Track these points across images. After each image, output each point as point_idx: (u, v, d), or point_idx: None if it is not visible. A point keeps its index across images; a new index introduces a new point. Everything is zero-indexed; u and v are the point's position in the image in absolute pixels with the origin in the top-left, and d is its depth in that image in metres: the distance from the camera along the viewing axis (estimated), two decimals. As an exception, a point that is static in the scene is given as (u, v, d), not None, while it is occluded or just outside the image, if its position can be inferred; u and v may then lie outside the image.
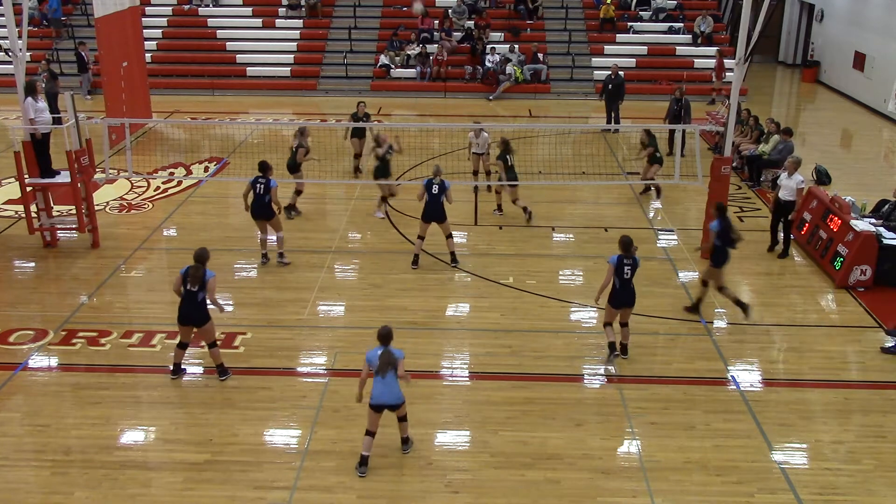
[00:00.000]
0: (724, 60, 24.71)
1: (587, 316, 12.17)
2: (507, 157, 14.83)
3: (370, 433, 8.68)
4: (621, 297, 10.56)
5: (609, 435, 9.48)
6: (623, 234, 10.77)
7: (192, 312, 9.96)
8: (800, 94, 28.28)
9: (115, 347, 11.16)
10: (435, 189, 13.14)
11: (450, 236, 13.53)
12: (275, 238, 13.53)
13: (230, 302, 12.48)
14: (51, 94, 19.81)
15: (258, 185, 12.99)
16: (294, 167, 15.37)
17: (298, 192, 15.65)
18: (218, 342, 10.39)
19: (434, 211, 13.20)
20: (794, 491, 8.58)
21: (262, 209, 13.09)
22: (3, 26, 14.17)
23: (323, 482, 8.63)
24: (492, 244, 14.57)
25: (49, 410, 9.78)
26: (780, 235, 14.23)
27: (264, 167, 13.08)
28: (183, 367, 10.46)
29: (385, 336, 8.59)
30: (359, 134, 17.45)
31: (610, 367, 10.76)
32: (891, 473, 8.90)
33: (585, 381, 10.59)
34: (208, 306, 10.01)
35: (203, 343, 10.45)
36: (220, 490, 8.51)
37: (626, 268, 10.46)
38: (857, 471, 8.92)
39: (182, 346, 10.33)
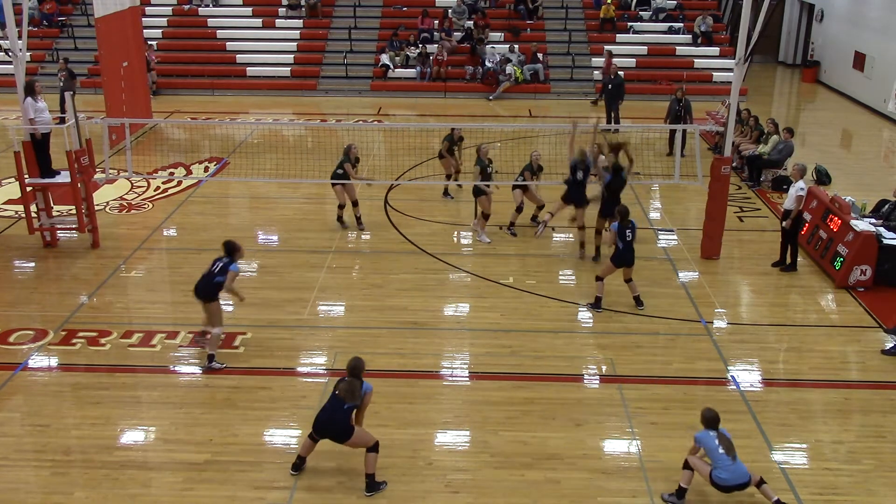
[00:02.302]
0: (613, 59, 24.58)
1: (587, 316, 12.17)
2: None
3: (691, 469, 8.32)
4: (624, 256, 11.91)
5: (609, 435, 9.48)
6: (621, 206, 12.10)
7: (335, 421, 8.33)
8: (800, 94, 28.29)
9: (115, 347, 11.16)
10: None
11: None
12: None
13: (230, 303, 12.50)
14: (65, 93, 19.89)
15: (217, 263, 10.62)
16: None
17: (341, 207, 15.08)
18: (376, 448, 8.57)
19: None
20: (794, 491, 8.58)
21: (206, 287, 10.57)
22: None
23: (323, 482, 8.63)
24: (492, 244, 14.57)
25: (49, 410, 9.78)
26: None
27: (230, 249, 10.66)
28: (303, 463, 8.77)
29: (712, 420, 8.17)
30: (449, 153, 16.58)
31: (598, 310, 12.10)
32: (891, 473, 8.90)
33: (585, 381, 10.59)
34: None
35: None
36: (220, 490, 8.51)
37: (626, 231, 11.77)
38: (857, 471, 8.92)
39: (313, 439, 8.61)
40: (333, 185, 14.82)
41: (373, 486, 8.48)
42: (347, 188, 14.88)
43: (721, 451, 8.10)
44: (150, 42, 25.52)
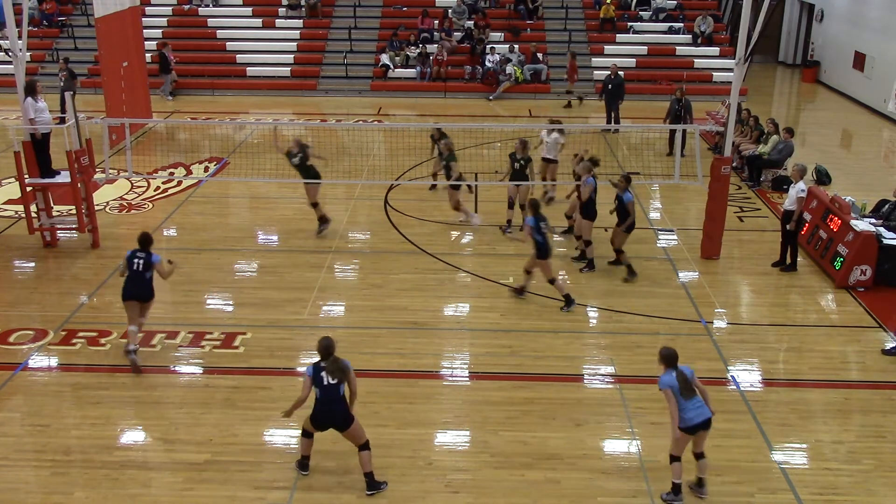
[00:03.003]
0: (576, 62, 24.81)
1: (587, 316, 12.17)
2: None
3: (679, 459, 8.30)
4: (548, 249, 12.03)
5: (609, 435, 9.49)
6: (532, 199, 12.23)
7: (337, 412, 8.25)
8: (800, 94, 28.29)
9: (115, 347, 11.15)
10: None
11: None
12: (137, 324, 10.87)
13: (231, 302, 12.52)
14: (65, 93, 19.91)
15: (136, 262, 10.62)
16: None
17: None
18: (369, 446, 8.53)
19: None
20: (794, 491, 8.59)
21: (140, 288, 10.67)
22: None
23: (323, 482, 8.63)
24: (492, 244, 14.57)
25: (49, 410, 9.78)
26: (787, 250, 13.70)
27: (145, 240, 10.75)
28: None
29: (673, 357, 8.11)
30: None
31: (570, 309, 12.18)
32: (891, 473, 8.90)
33: (585, 381, 10.59)
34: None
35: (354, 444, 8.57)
36: (220, 490, 8.51)
37: (541, 224, 11.87)
38: (857, 471, 8.92)
39: (309, 436, 8.65)
40: (307, 185, 14.48)
41: (373, 484, 8.45)
42: (311, 189, 14.57)
43: (678, 389, 8.06)
44: (166, 41, 25.55)
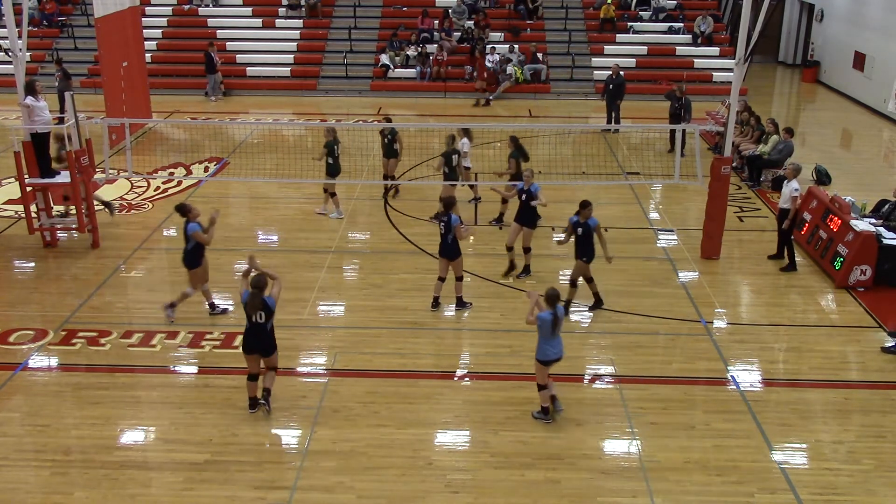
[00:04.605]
0: (487, 59, 24.95)
1: (587, 316, 12.17)
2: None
3: (545, 387, 9.54)
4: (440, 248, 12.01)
5: (609, 435, 9.49)
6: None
7: (263, 341, 9.36)
8: (800, 94, 28.28)
9: (115, 347, 11.16)
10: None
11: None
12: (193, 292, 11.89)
13: (231, 302, 12.52)
14: (64, 93, 19.89)
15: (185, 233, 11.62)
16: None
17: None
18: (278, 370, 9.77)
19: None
20: (794, 491, 8.59)
21: (184, 255, 11.66)
22: (3, 26, 14.17)
23: (323, 482, 8.63)
24: (492, 244, 14.57)
25: (49, 410, 9.78)
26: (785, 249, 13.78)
27: (184, 210, 11.67)
28: (261, 400, 9.64)
29: (556, 297, 9.23)
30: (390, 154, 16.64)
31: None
32: (891, 473, 8.91)
33: (585, 381, 10.59)
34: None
35: (264, 367, 9.65)
36: (220, 490, 8.51)
37: (441, 224, 11.81)
38: (857, 471, 8.93)
39: (253, 378, 9.62)
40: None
41: (269, 401, 9.61)
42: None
43: (549, 327, 9.16)
44: (212, 41, 25.71)
